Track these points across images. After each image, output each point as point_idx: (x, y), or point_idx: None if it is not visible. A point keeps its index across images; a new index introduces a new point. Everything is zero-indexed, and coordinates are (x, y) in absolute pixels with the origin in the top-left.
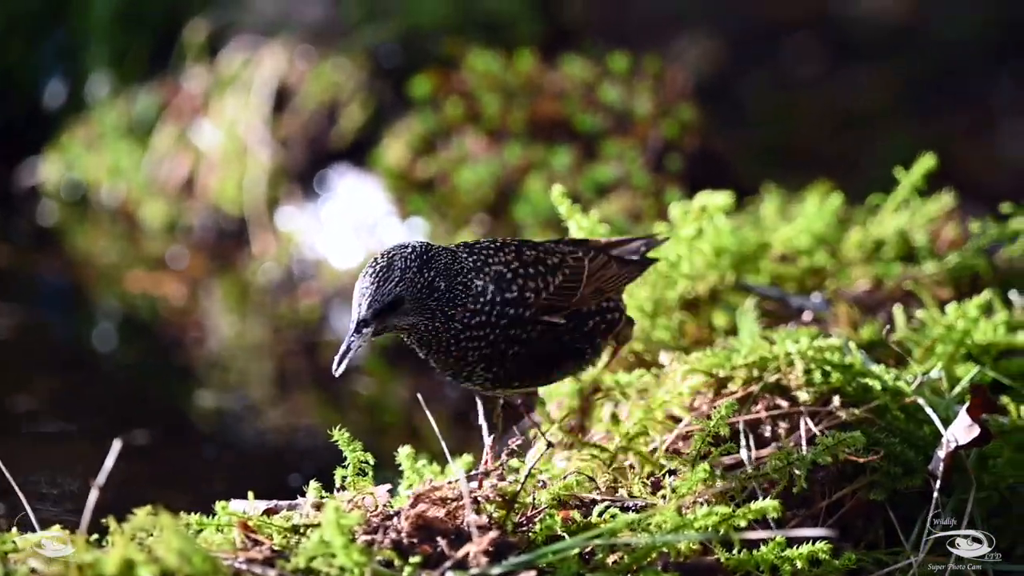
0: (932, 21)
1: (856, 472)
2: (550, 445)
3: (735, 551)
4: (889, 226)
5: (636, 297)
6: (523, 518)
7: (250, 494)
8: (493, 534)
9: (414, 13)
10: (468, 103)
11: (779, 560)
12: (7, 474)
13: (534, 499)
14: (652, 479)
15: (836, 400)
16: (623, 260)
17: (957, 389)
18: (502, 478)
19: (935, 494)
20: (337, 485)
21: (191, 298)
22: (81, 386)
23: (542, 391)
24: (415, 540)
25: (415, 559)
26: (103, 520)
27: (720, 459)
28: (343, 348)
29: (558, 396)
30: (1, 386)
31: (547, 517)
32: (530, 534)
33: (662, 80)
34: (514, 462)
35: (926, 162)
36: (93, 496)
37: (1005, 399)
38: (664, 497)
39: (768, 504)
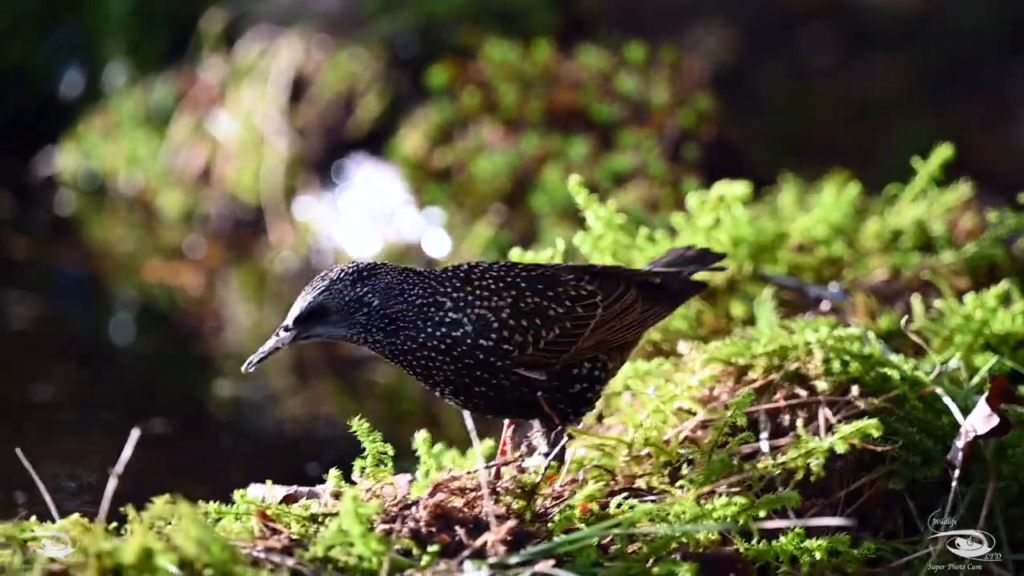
0: (947, 10)
1: (875, 462)
2: (569, 436)
3: (754, 541)
4: (907, 216)
5: None
6: (542, 508)
7: (268, 481)
8: (511, 523)
9: (430, 3)
10: (485, 93)
11: (798, 551)
12: (27, 463)
13: (552, 490)
14: (669, 469)
15: (855, 389)
16: (656, 297)
17: (976, 379)
18: (521, 469)
19: (954, 484)
20: (356, 476)
21: (208, 287)
22: (99, 376)
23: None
24: (433, 529)
25: (433, 548)
26: (122, 509)
27: (738, 448)
28: (262, 347)
29: None
30: (20, 376)
31: (566, 508)
32: (548, 524)
33: (678, 70)
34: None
35: (943, 152)
36: (111, 485)
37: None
38: (682, 487)
39: (787, 495)
